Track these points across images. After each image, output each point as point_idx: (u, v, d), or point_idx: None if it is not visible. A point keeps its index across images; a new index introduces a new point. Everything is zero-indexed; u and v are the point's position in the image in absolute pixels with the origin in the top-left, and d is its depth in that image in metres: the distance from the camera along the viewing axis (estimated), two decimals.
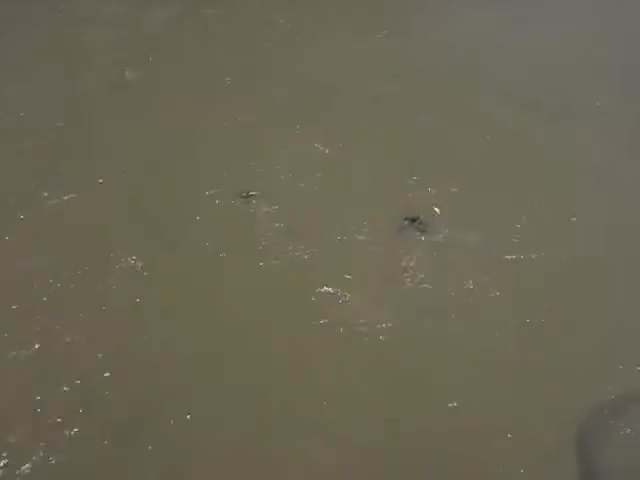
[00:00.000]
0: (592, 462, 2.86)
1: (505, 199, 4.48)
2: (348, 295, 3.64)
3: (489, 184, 4.63)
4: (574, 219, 4.30)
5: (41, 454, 2.77)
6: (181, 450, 2.83)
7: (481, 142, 5.12)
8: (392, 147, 5.03)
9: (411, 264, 3.89)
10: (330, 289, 3.68)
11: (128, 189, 4.45)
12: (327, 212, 4.30)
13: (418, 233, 4.08)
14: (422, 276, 3.80)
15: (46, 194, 4.34)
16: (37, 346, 3.25)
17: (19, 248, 3.91)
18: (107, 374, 3.14)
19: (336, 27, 7.09)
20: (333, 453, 2.85)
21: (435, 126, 5.31)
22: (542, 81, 6.09)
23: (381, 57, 6.43)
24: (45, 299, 3.54)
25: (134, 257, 3.86)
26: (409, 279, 3.78)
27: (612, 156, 4.97)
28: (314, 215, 4.27)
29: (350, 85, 5.89)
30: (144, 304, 3.56)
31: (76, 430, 2.87)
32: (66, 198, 4.34)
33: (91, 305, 3.53)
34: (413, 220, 4.13)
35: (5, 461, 2.73)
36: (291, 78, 5.98)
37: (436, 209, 4.29)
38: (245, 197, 4.39)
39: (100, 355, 3.24)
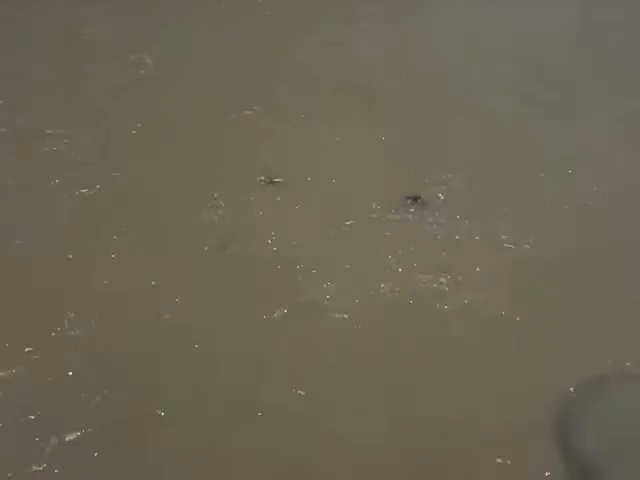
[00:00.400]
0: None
1: (504, 188, 4.54)
2: (343, 286, 3.67)
3: (488, 174, 4.68)
4: (571, 211, 4.32)
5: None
6: (172, 450, 2.85)
7: (481, 134, 5.17)
8: (396, 138, 5.08)
9: (411, 249, 3.95)
10: (329, 283, 3.70)
11: (143, 185, 4.48)
12: (337, 197, 4.39)
13: (419, 212, 4.23)
14: (418, 264, 3.84)
15: (64, 192, 4.37)
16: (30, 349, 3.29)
17: (37, 244, 3.96)
18: (103, 366, 3.19)
19: (336, 21, 7.12)
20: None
21: (436, 118, 5.37)
22: (542, 76, 6.09)
23: (383, 52, 6.43)
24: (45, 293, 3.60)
25: (143, 250, 3.91)
26: (407, 265, 3.83)
27: (610, 150, 4.98)
28: (327, 200, 4.36)
29: (351, 79, 5.91)
30: (145, 297, 3.59)
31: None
32: (83, 192, 4.38)
33: (93, 297, 3.57)
34: (415, 199, 4.33)
35: None
36: (294, 73, 5.99)
37: (440, 195, 4.41)
38: (269, 183, 4.48)
39: (95, 351, 3.27)
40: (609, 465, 2.82)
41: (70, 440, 2.85)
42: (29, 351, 3.26)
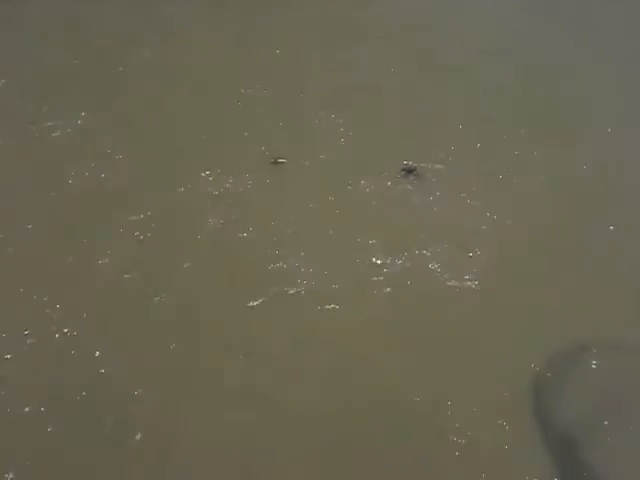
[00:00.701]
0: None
1: (497, 167, 4.63)
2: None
3: (484, 152, 4.79)
4: (562, 191, 4.40)
5: None
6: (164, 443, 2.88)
7: (479, 115, 5.29)
8: (393, 118, 5.23)
9: (405, 222, 4.06)
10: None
11: (146, 170, 4.58)
12: (340, 173, 4.52)
13: (414, 182, 4.42)
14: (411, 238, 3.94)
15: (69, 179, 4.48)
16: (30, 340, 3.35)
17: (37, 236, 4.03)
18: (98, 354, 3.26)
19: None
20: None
21: (431, 98, 5.50)
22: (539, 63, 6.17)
23: (382, 38, 6.54)
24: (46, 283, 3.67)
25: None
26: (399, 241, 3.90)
27: (603, 129, 5.06)
28: (331, 176, 4.50)
29: (351, 63, 6.01)
30: (140, 276, 3.67)
31: None
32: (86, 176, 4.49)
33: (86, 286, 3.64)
34: (410, 171, 4.53)
35: None
36: (293, 60, 6.09)
37: (438, 165, 4.58)
38: (274, 163, 4.62)
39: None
40: (587, 436, 2.90)
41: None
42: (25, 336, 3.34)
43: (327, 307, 3.47)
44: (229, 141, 4.90)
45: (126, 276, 3.68)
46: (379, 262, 3.77)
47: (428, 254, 3.83)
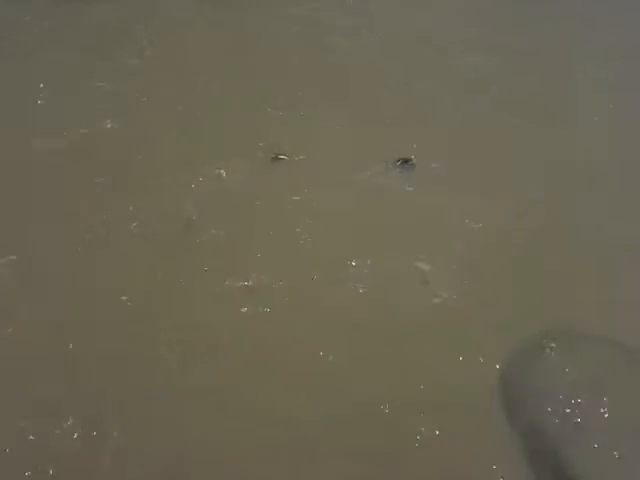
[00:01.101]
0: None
1: (488, 162, 4.66)
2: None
3: (480, 148, 4.82)
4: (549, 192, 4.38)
5: None
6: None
7: (475, 109, 5.30)
8: (391, 114, 5.24)
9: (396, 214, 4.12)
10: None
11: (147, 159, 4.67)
12: (339, 169, 4.58)
13: (409, 176, 4.52)
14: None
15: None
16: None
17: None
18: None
19: None
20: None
21: (431, 95, 5.50)
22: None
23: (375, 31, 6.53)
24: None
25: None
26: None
27: (591, 126, 5.06)
28: (330, 172, 4.55)
29: (345, 60, 6.02)
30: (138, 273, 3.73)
31: None
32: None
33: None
34: (406, 161, 4.63)
35: None
36: (292, 56, 6.09)
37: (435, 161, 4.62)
38: (274, 159, 4.67)
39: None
40: (554, 426, 2.95)
41: None
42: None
43: (324, 306, 3.51)
44: (228, 138, 4.93)
45: (122, 273, 3.73)
46: (370, 261, 3.79)
47: (419, 253, 3.84)
